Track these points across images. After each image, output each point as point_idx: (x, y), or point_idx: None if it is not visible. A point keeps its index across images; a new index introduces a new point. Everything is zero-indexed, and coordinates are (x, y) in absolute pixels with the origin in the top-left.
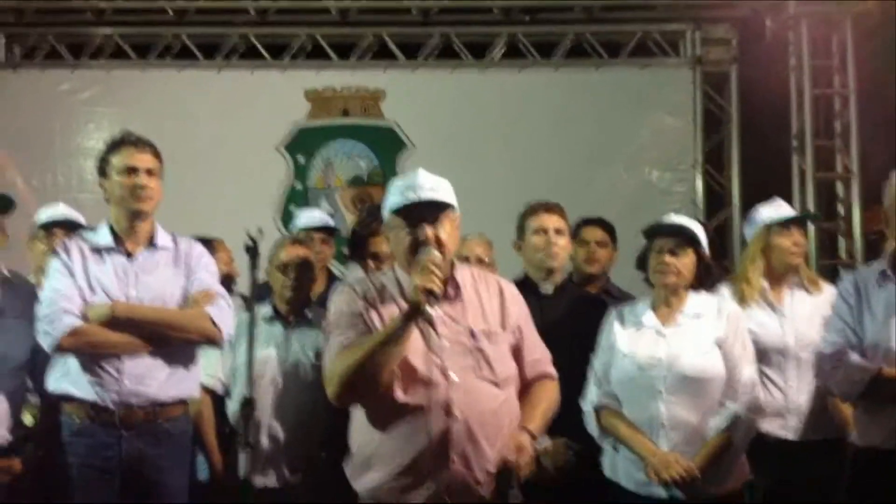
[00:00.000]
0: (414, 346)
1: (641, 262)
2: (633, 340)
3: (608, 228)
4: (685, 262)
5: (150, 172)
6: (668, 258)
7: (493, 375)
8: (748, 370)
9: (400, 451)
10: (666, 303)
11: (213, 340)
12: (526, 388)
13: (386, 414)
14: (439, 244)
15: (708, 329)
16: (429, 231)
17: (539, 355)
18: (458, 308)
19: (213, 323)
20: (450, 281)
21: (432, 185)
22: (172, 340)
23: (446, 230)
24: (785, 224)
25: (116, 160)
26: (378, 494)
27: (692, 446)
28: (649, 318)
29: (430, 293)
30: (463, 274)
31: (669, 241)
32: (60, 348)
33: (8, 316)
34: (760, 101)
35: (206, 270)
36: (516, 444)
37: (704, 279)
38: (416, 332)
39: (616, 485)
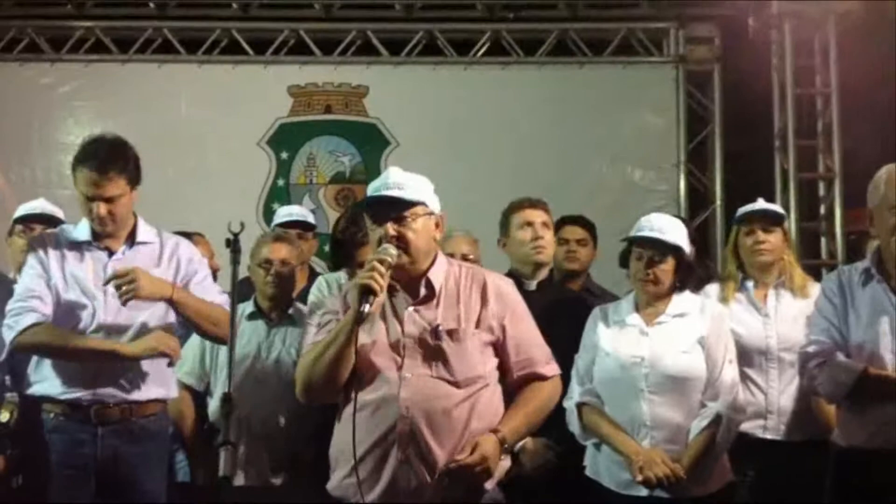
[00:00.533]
0: (378, 345)
1: (624, 261)
2: (616, 339)
3: (588, 226)
4: (665, 270)
5: (110, 200)
6: (647, 268)
7: (449, 374)
8: (729, 370)
9: (352, 448)
10: (649, 303)
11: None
12: (519, 389)
13: (347, 411)
14: (404, 242)
15: (691, 328)
16: (390, 228)
17: (531, 355)
18: (430, 307)
19: None
20: (423, 280)
21: (398, 182)
22: (208, 333)
23: (413, 228)
24: (749, 222)
25: (78, 179)
26: (338, 493)
27: (674, 445)
28: (633, 317)
29: (368, 291)
30: (446, 271)
31: (649, 250)
32: (18, 346)
33: None
34: (743, 101)
35: (202, 273)
36: (473, 445)
37: (687, 281)
38: (382, 330)
39: (598, 484)
